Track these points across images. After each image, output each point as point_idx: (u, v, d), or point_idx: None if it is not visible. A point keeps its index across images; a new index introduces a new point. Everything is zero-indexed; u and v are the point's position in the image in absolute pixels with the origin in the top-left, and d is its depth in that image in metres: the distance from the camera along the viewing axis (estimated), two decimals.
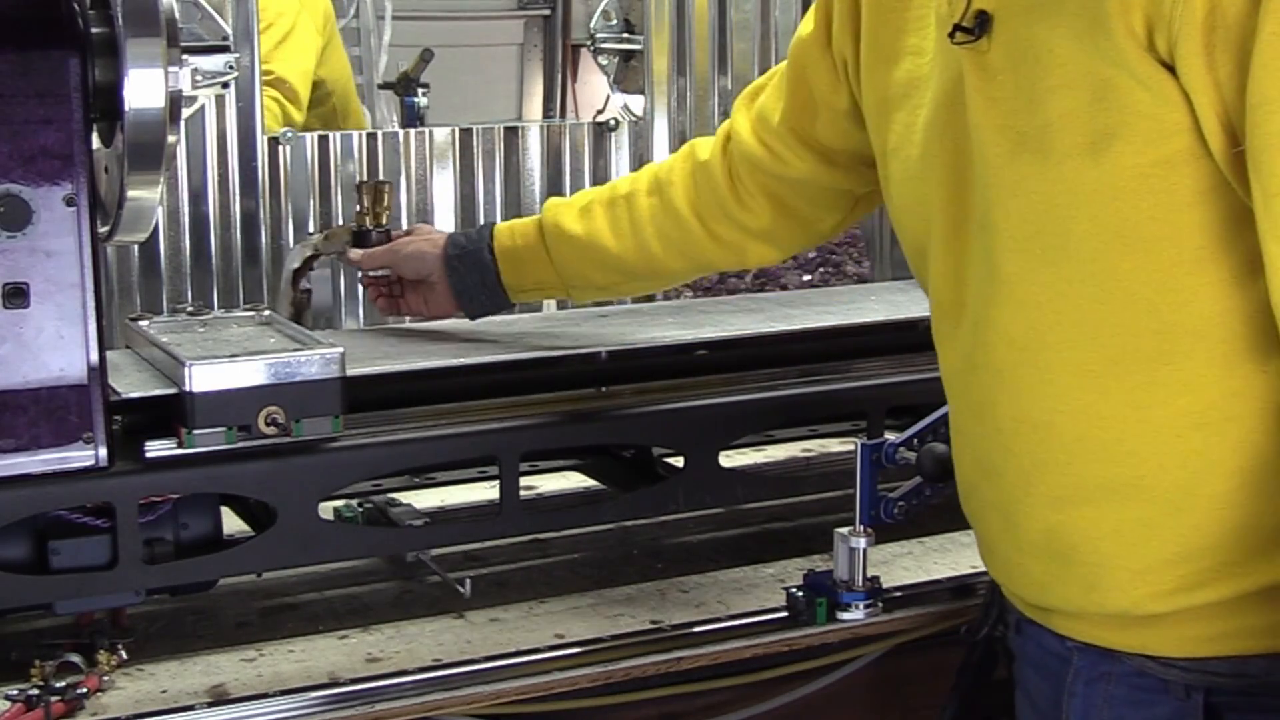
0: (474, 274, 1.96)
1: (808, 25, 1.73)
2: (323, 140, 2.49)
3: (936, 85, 1.48)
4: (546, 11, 3.89)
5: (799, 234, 1.90)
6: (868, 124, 1.64)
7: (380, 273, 2.08)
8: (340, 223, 2.47)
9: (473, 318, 2.02)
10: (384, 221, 2.12)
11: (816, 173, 1.79)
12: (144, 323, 1.94)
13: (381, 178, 2.50)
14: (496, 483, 1.90)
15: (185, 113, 2.00)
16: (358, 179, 2.48)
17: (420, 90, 3.23)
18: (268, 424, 1.71)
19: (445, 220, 2.57)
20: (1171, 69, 1.27)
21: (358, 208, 2.12)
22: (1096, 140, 1.31)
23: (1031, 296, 1.39)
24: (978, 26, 1.39)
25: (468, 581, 1.87)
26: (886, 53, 1.57)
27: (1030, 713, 1.58)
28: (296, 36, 2.95)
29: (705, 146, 1.90)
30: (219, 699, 1.65)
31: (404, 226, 2.51)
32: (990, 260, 1.42)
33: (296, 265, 2.22)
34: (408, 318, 2.14)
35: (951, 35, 1.41)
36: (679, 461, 2.02)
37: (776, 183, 1.83)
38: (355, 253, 2.08)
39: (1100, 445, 1.39)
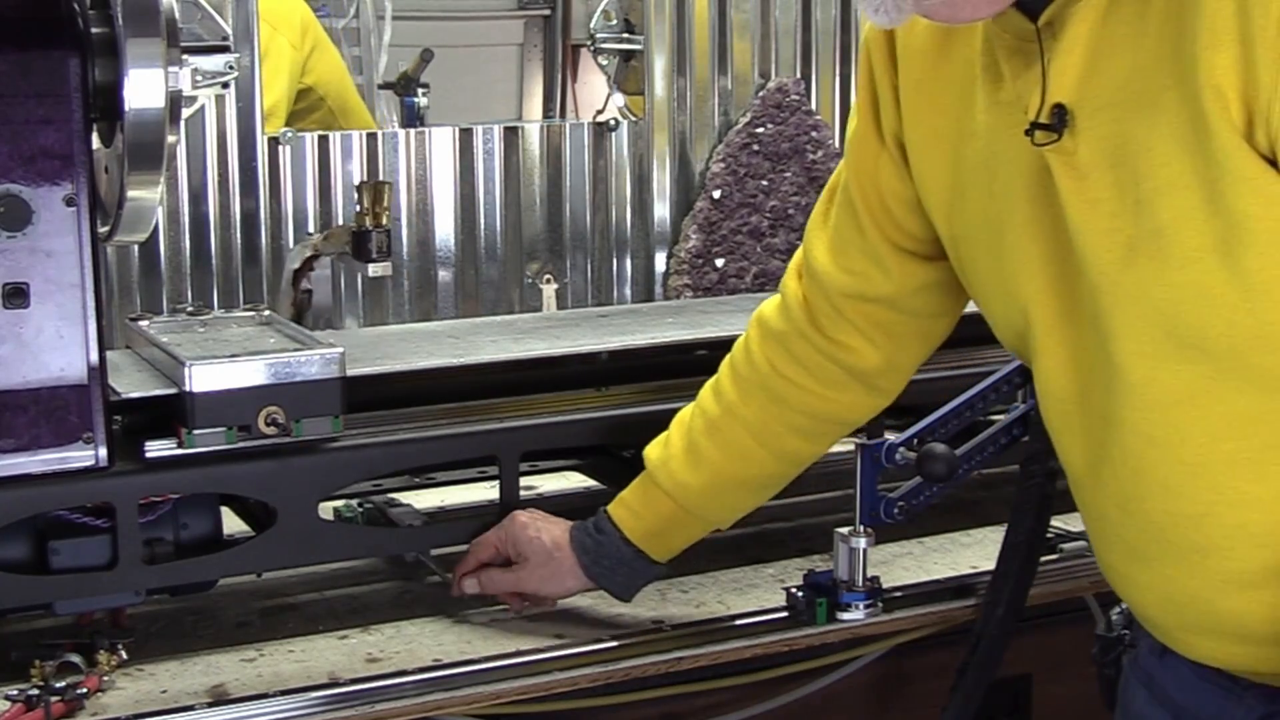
0: (622, 571, 1.78)
1: (854, 120, 1.59)
2: (323, 140, 2.49)
3: (1009, 177, 1.37)
4: (546, 11, 3.88)
5: (918, 343, 1.69)
6: (928, 209, 1.52)
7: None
8: (340, 222, 2.47)
9: (629, 600, 1.83)
10: (384, 222, 2.09)
11: (916, 274, 1.60)
12: (144, 323, 1.94)
13: (381, 178, 2.49)
14: (496, 483, 1.90)
15: (185, 113, 1.99)
16: (357, 179, 2.48)
17: (420, 90, 3.22)
18: (268, 424, 1.71)
19: (445, 220, 2.57)
20: (1274, 163, 1.20)
21: (357, 208, 2.10)
22: (1218, 243, 1.22)
23: (1168, 397, 1.30)
24: (1058, 123, 1.29)
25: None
26: (936, 136, 1.46)
27: None
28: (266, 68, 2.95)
29: (773, 313, 1.72)
30: (219, 699, 1.65)
31: (404, 226, 2.54)
32: (1111, 361, 1.32)
33: (296, 266, 2.22)
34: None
35: (1029, 134, 1.30)
36: None
37: (879, 308, 1.64)
38: (470, 584, 1.82)
39: (1263, 530, 1.31)
